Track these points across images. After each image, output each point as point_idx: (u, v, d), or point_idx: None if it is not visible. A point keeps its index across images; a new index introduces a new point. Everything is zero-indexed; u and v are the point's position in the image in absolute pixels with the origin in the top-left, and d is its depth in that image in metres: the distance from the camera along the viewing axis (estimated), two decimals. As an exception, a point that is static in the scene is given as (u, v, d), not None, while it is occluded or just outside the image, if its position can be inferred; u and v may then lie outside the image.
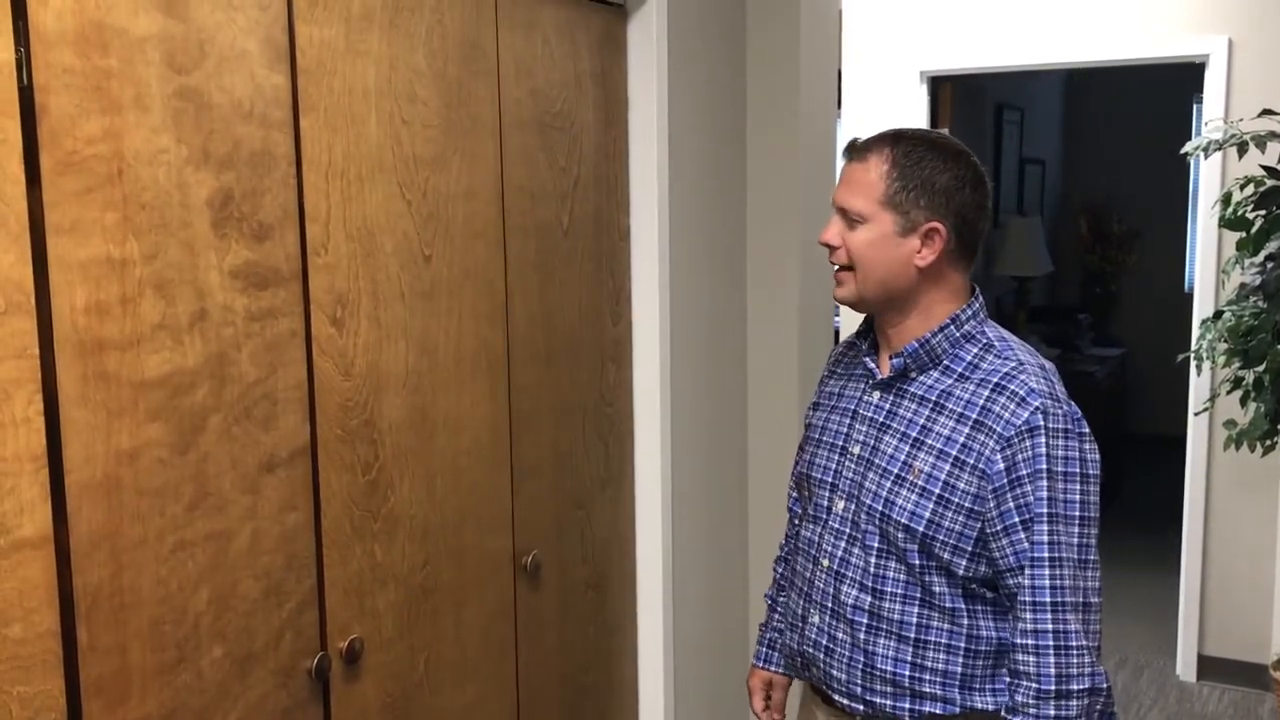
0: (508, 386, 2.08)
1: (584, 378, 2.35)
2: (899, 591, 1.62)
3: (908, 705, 1.62)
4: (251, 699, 1.53)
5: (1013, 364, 1.59)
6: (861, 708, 1.66)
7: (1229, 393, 3.53)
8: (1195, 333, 3.81)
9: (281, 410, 1.57)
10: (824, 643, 1.70)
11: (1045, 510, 1.51)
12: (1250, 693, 4.03)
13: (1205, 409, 3.91)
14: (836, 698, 1.70)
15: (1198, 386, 4.02)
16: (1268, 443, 3.41)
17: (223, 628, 1.48)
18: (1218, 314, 3.49)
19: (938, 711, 1.61)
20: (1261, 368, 3.33)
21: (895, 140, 1.63)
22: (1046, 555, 1.50)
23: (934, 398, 1.62)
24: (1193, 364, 3.77)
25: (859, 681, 1.66)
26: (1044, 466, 1.51)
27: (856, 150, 1.66)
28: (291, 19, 1.58)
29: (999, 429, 1.54)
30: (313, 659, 1.64)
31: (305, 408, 1.62)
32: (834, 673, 1.69)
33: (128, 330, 1.32)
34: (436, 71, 1.85)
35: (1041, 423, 1.52)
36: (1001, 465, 1.53)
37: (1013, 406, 1.54)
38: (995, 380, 1.57)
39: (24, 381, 1.20)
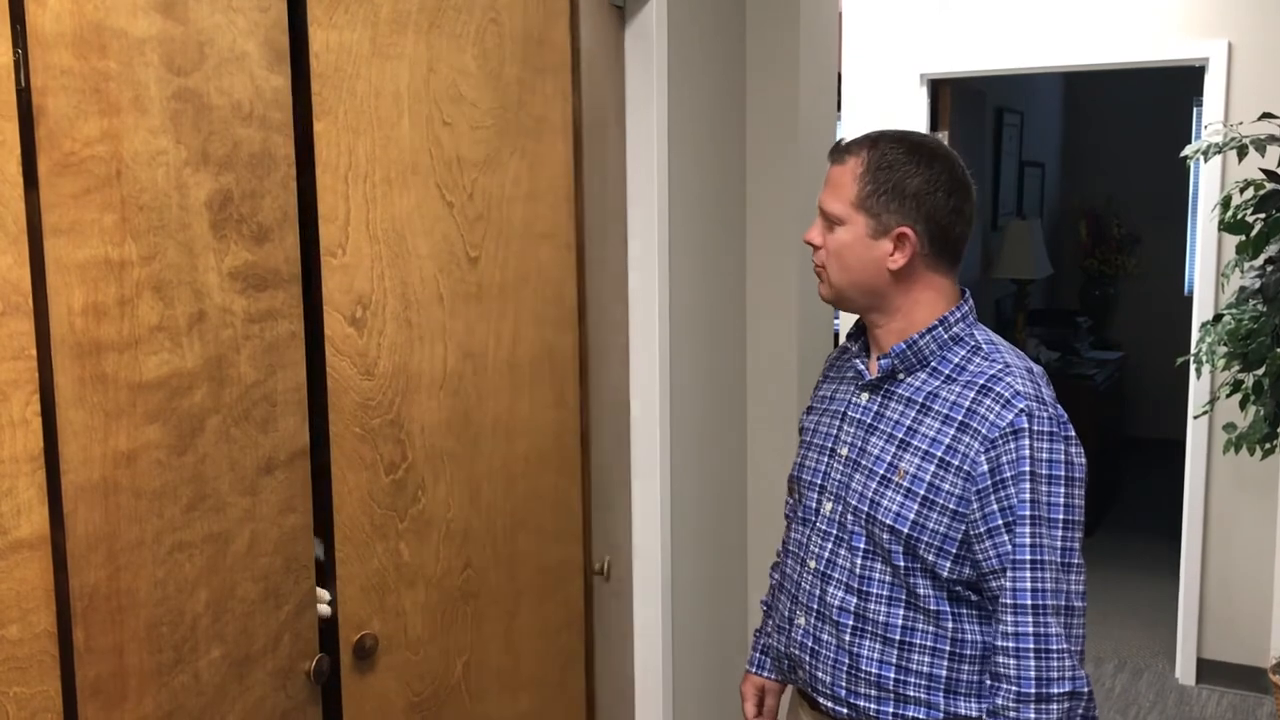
0: (581, 393, 2.02)
1: (614, 380, 2.34)
2: (884, 593, 1.62)
3: (891, 709, 1.62)
4: (249, 701, 1.53)
5: (999, 366, 1.59)
6: (845, 710, 1.66)
7: (1228, 396, 3.53)
8: (1195, 336, 3.81)
9: (281, 412, 1.57)
10: (810, 644, 1.70)
11: (1028, 512, 1.50)
12: (1249, 696, 4.03)
13: (1205, 412, 3.91)
14: (821, 700, 1.70)
15: (1197, 390, 4.02)
16: (1267, 446, 3.41)
17: (221, 629, 1.48)
18: (1217, 317, 3.49)
19: (921, 717, 1.60)
20: (1261, 371, 3.33)
21: (873, 143, 1.64)
22: (1028, 557, 1.50)
23: (921, 399, 1.62)
24: (1192, 367, 3.78)
25: (843, 684, 1.65)
26: (1027, 469, 1.51)
27: (838, 152, 1.68)
28: (305, 24, 1.58)
29: (984, 430, 1.54)
30: (311, 661, 1.63)
31: (305, 410, 1.62)
32: (819, 675, 1.68)
33: (125, 332, 1.32)
34: (490, 71, 1.84)
35: (1026, 425, 1.52)
36: (985, 467, 1.53)
37: (997, 408, 1.54)
38: (981, 382, 1.58)
39: (21, 383, 1.20)
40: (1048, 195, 7.18)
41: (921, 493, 1.57)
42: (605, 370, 2.24)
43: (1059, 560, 1.51)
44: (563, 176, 1.97)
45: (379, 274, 1.70)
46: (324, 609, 1.68)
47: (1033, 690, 1.49)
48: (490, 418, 1.88)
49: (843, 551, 1.67)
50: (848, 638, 1.64)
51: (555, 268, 1.96)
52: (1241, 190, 3.37)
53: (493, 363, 1.88)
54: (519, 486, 1.93)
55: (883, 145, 1.63)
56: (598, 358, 2.22)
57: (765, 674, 1.92)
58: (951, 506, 1.55)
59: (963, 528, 1.55)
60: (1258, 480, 3.97)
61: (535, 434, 1.95)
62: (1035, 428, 1.52)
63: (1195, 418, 4.03)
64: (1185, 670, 4.16)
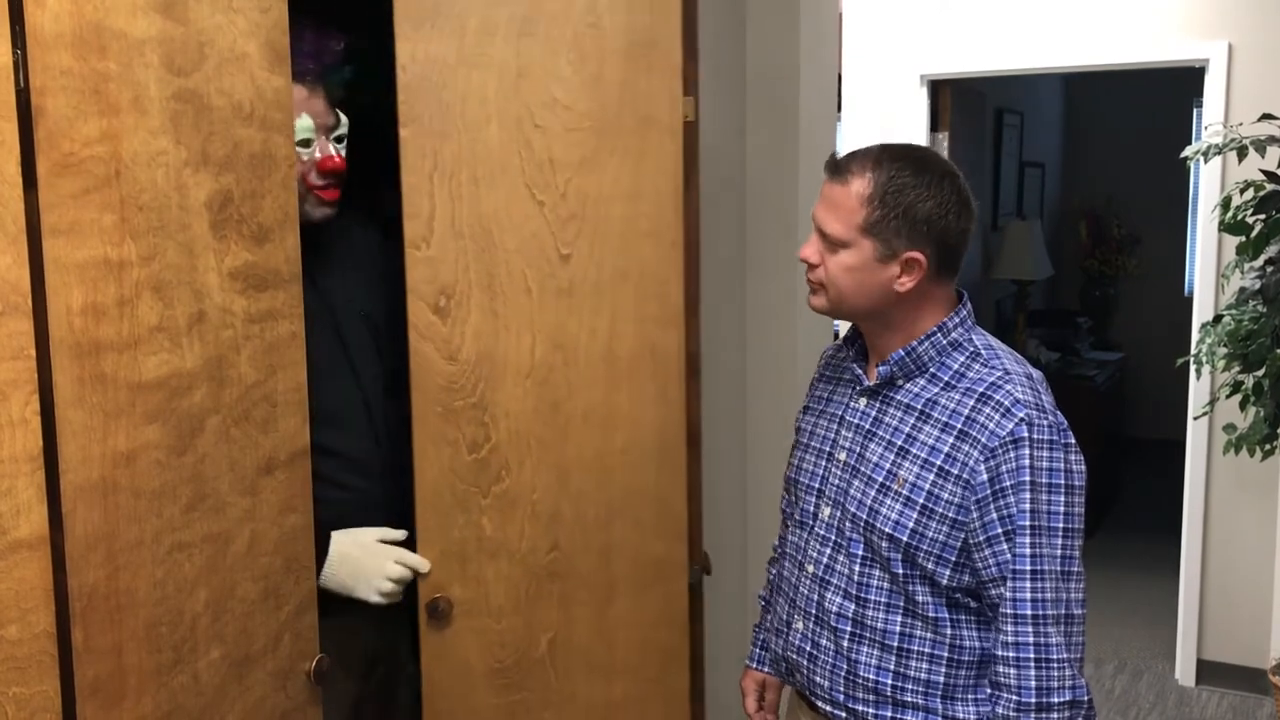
0: (690, 393, 2.01)
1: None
2: (882, 600, 1.62)
3: (889, 714, 1.62)
4: (249, 701, 1.53)
5: (999, 373, 1.58)
6: (844, 715, 1.66)
7: (1228, 397, 3.53)
8: (1195, 337, 3.81)
9: (281, 412, 1.57)
10: (807, 649, 1.70)
11: (1028, 522, 1.50)
12: (1249, 697, 4.03)
13: (1204, 413, 3.91)
14: (819, 704, 1.70)
15: (1197, 390, 4.02)
16: (1267, 447, 3.41)
17: (220, 630, 1.48)
18: (1217, 318, 3.49)
19: None
20: (1261, 372, 3.33)
21: (877, 163, 1.57)
22: (1028, 567, 1.50)
23: (920, 406, 1.61)
24: (1192, 368, 3.78)
25: (841, 689, 1.65)
26: (1027, 478, 1.50)
27: (837, 170, 1.61)
28: (391, 38, 1.71)
29: (983, 439, 1.53)
30: (311, 661, 1.63)
31: (305, 410, 1.62)
32: (817, 679, 1.68)
33: (125, 332, 1.32)
34: (588, 75, 1.85)
35: (1026, 434, 1.51)
36: (985, 476, 1.52)
37: (997, 417, 1.53)
38: (981, 390, 1.56)
39: (21, 383, 1.20)
40: (1048, 195, 7.18)
41: (921, 501, 1.56)
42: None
43: (1059, 569, 1.51)
44: (670, 175, 1.94)
45: (464, 266, 1.80)
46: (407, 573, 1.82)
47: (1033, 700, 1.49)
48: (581, 409, 1.90)
49: (841, 558, 1.66)
50: (846, 643, 1.64)
51: (660, 266, 1.94)
52: (1241, 191, 3.37)
53: (585, 356, 1.89)
54: (615, 478, 1.94)
55: (887, 165, 1.57)
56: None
57: (765, 669, 1.92)
58: (951, 515, 1.55)
59: (962, 536, 1.55)
60: (1258, 481, 3.97)
61: (634, 428, 1.95)
62: (1035, 436, 1.51)
63: (1195, 418, 4.02)
64: (1185, 671, 4.16)
